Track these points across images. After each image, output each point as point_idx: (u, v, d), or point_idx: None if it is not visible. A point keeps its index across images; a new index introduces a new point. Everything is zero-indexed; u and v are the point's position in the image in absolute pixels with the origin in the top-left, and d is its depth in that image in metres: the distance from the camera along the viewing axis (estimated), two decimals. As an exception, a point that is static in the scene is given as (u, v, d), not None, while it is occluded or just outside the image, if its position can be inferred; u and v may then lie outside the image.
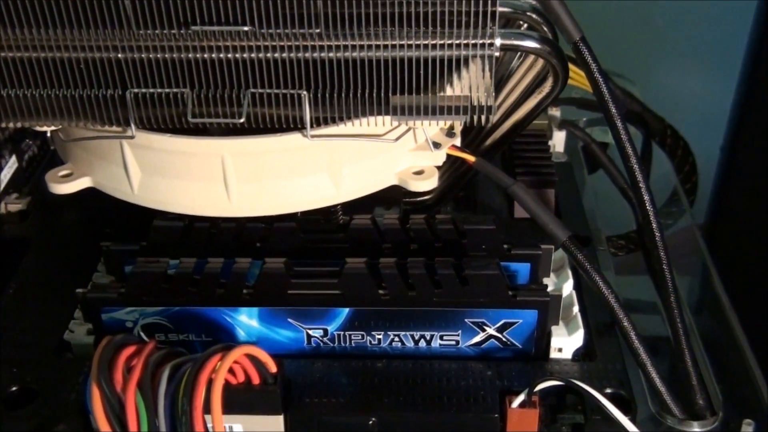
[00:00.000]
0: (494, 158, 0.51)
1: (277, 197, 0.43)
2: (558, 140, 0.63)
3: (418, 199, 0.51)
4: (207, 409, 0.34)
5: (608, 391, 0.40)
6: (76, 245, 0.52)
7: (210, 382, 0.35)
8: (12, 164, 0.56)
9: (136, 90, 0.39)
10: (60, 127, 0.43)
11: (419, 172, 0.45)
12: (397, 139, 0.44)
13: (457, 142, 0.46)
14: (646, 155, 0.67)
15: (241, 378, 0.37)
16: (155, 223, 0.44)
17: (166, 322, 0.42)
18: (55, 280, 0.48)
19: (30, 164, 0.59)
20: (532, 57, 0.47)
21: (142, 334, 0.43)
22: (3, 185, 0.54)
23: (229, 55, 0.39)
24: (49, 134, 0.45)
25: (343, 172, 0.43)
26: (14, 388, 0.40)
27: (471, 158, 0.46)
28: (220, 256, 0.43)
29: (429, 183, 0.45)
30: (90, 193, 0.47)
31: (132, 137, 0.41)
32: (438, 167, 0.45)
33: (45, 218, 0.54)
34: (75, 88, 0.40)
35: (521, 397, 0.38)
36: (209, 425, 0.35)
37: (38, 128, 0.42)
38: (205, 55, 0.39)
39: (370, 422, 0.39)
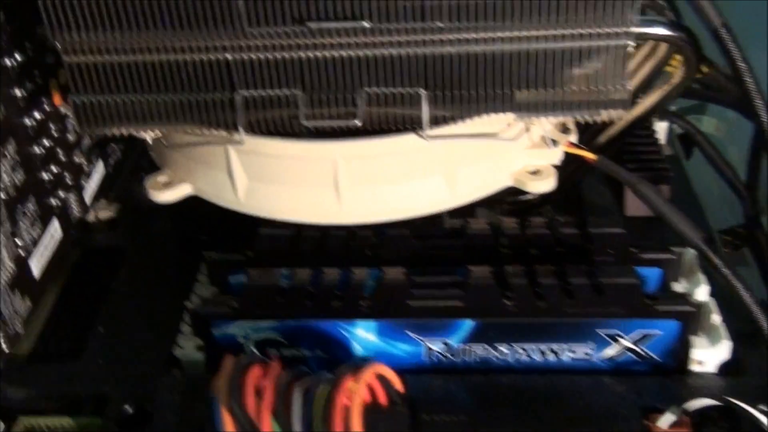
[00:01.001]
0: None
1: (390, 202, 0.40)
2: (661, 131, 0.60)
3: (522, 198, 0.49)
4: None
5: (764, 409, 0.37)
6: (171, 254, 0.50)
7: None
8: (99, 170, 0.55)
9: (245, 92, 0.37)
10: (161, 133, 0.41)
11: (535, 172, 0.42)
12: (516, 137, 0.41)
13: (573, 138, 0.43)
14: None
15: (368, 398, 0.35)
16: (262, 232, 0.42)
17: (279, 336, 0.40)
18: (155, 291, 0.47)
19: (115, 169, 0.57)
20: (649, 44, 0.44)
21: (254, 349, 0.41)
22: (93, 192, 0.53)
23: (345, 53, 0.36)
24: (149, 139, 0.43)
25: (459, 175, 0.41)
26: (127, 408, 0.39)
27: (592, 156, 0.43)
28: (330, 265, 0.41)
29: (547, 183, 0.42)
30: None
31: (240, 142, 0.39)
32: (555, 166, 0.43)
33: (137, 226, 0.53)
34: (182, 92, 0.38)
35: (669, 417, 0.35)
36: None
37: (140, 135, 0.40)
38: (319, 54, 0.36)
39: (497, 442, 0.37)
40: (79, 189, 0.50)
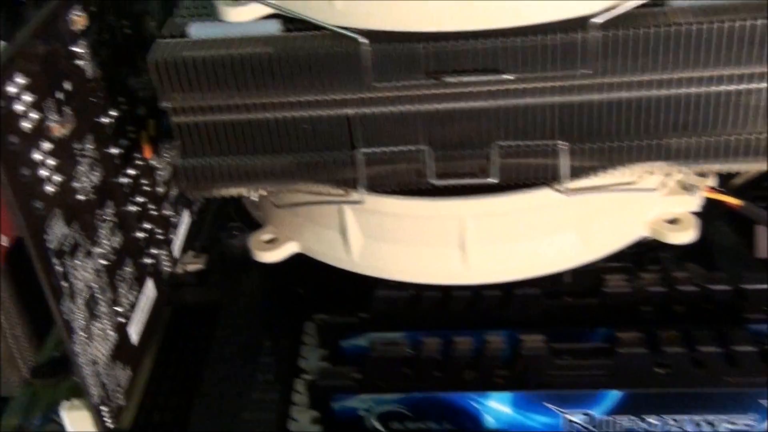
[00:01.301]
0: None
1: (520, 260, 0.37)
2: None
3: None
4: None
5: None
6: (268, 311, 0.47)
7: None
8: (185, 220, 0.52)
9: (366, 149, 0.34)
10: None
11: (673, 221, 0.39)
12: (657, 186, 0.37)
13: (712, 182, 0.40)
14: None
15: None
16: (378, 294, 0.39)
17: (405, 410, 0.37)
18: (256, 354, 0.44)
19: (199, 217, 0.55)
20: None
21: (376, 424, 0.38)
22: (181, 244, 0.50)
23: (478, 104, 0.33)
24: (254, 198, 0.40)
25: (592, 228, 0.37)
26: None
27: (736, 202, 0.39)
28: (451, 327, 0.38)
29: (687, 234, 0.38)
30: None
31: (360, 202, 0.36)
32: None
33: (229, 281, 0.50)
34: (298, 151, 0.35)
35: None
36: None
37: (248, 195, 0.38)
38: (450, 106, 0.33)
39: None
40: (168, 243, 0.47)
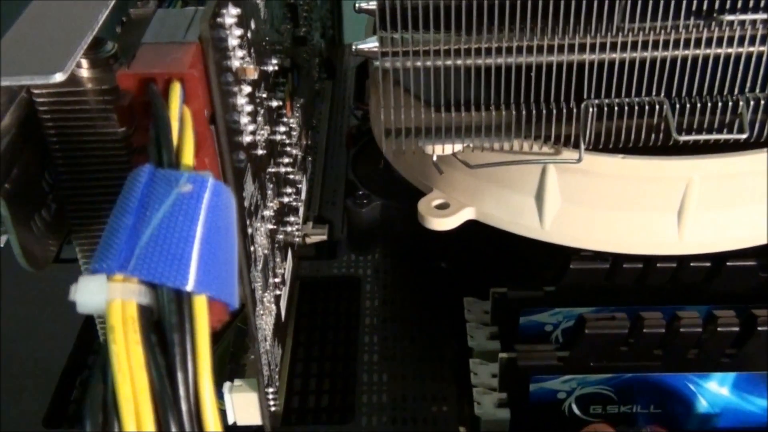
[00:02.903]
0: None
1: (738, 228, 0.34)
2: None
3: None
4: None
5: None
6: (408, 284, 0.43)
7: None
8: (305, 188, 0.48)
9: (595, 101, 0.31)
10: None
11: None
12: None
13: None
14: None
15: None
16: (574, 266, 0.35)
17: (610, 392, 0.34)
18: (408, 332, 0.40)
19: (310, 184, 0.51)
20: None
21: (574, 407, 0.34)
22: (304, 213, 0.46)
23: (731, 50, 0.29)
24: (435, 156, 0.36)
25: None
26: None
27: None
28: (650, 303, 0.35)
29: None
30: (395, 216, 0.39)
31: (578, 160, 0.32)
32: None
33: (359, 251, 0.46)
34: (516, 102, 0.31)
35: None
36: None
37: (438, 151, 0.34)
38: (700, 52, 0.30)
39: None
40: (297, 211, 0.43)
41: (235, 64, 0.27)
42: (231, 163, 0.27)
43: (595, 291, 0.36)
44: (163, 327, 0.21)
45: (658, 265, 0.35)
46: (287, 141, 0.40)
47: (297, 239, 0.42)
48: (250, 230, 0.30)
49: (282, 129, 0.38)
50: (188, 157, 0.22)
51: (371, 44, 0.30)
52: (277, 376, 0.37)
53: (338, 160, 0.52)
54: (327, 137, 0.55)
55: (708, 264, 0.35)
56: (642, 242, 0.34)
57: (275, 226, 0.36)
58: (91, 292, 0.20)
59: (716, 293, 0.35)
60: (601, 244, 0.35)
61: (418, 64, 0.30)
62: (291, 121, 0.41)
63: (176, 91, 0.23)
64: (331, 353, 0.40)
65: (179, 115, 0.23)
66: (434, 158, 0.35)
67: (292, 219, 0.41)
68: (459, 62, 0.30)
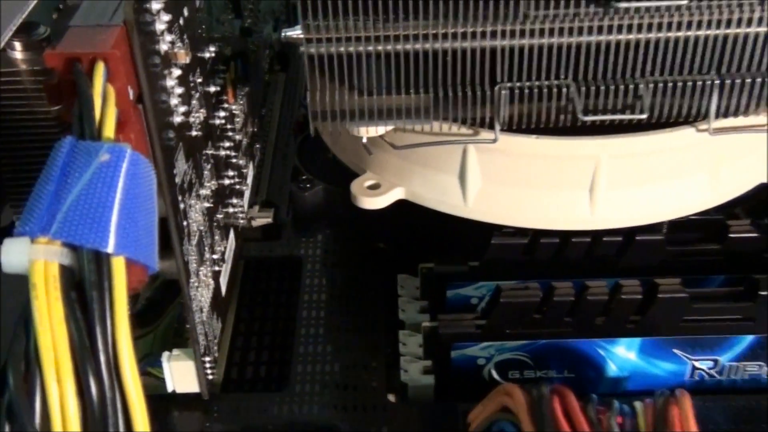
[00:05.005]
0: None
1: (647, 205, 0.36)
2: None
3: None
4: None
5: None
6: (347, 264, 0.45)
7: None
8: (251, 172, 0.50)
9: (508, 84, 0.33)
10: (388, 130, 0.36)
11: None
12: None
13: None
14: None
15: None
16: (495, 241, 0.37)
17: (527, 357, 0.36)
18: (343, 307, 0.42)
19: (258, 170, 0.52)
20: None
21: (494, 372, 0.36)
22: (249, 197, 0.48)
23: (632, 36, 0.32)
24: (365, 139, 0.38)
25: (722, 171, 0.36)
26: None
27: None
28: (566, 275, 0.37)
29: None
30: (337, 200, 0.41)
31: (493, 141, 0.34)
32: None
33: (302, 233, 0.48)
34: (434, 86, 0.33)
35: None
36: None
37: (362, 133, 0.36)
38: (604, 38, 0.32)
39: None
40: (241, 194, 0.45)
41: (164, 47, 0.29)
42: (159, 141, 0.29)
43: (516, 265, 0.38)
44: (83, 287, 0.23)
45: (573, 239, 0.37)
46: (229, 126, 0.41)
47: (242, 221, 0.44)
48: (182, 205, 0.32)
49: (222, 114, 0.40)
50: (110, 131, 0.24)
51: (297, 31, 0.32)
52: (216, 348, 0.38)
53: (289, 149, 0.54)
54: (278, 127, 0.57)
55: (619, 239, 0.37)
56: (557, 218, 0.36)
57: (213, 206, 0.38)
58: (15, 253, 0.22)
59: (629, 267, 0.37)
60: (520, 220, 0.37)
61: (342, 49, 0.32)
62: (233, 107, 0.43)
63: (100, 70, 0.25)
64: (271, 328, 0.42)
65: (102, 92, 0.25)
66: (364, 140, 0.37)
67: (235, 201, 0.43)
68: (379, 48, 0.32)
